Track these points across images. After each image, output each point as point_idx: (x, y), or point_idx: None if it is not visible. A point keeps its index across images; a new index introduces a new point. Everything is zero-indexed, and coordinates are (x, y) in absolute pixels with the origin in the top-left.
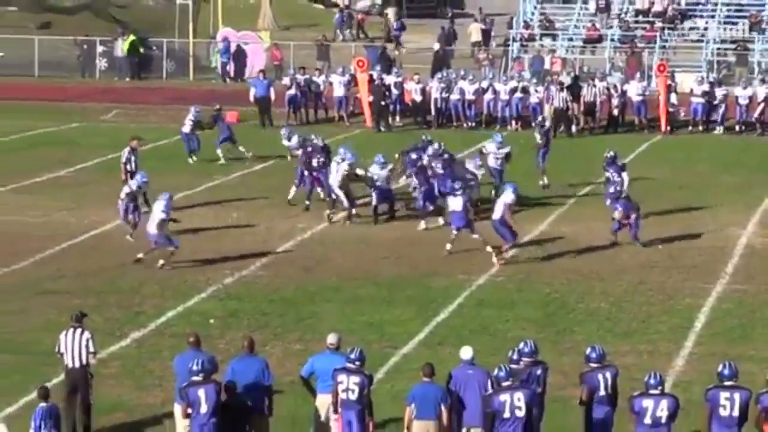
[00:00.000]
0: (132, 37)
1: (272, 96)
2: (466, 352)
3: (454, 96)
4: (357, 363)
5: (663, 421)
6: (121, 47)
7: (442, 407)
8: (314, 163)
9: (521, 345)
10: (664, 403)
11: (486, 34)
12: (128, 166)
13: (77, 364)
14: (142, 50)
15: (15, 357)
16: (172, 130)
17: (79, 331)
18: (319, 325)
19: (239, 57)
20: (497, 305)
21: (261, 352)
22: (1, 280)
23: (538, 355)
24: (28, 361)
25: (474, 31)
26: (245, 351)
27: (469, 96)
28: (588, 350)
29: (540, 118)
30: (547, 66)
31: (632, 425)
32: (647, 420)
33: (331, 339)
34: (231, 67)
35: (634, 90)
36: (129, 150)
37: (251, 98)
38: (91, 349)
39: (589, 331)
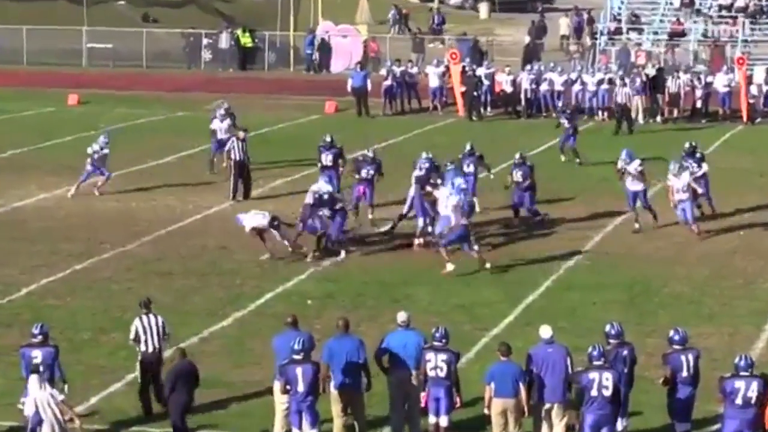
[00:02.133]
0: (247, 31)
1: (369, 86)
2: (545, 331)
3: (544, 87)
4: (443, 341)
5: (753, 402)
6: (234, 40)
7: (520, 385)
8: (363, 173)
9: (608, 327)
10: (754, 385)
11: (578, 27)
12: (232, 155)
13: (153, 349)
14: (251, 44)
15: (122, 335)
16: (273, 118)
17: (152, 316)
18: (411, 306)
19: (326, 49)
20: (584, 288)
21: (356, 332)
22: (108, 262)
23: (624, 337)
24: None
25: (563, 24)
26: (341, 331)
27: (558, 87)
28: (671, 333)
29: (560, 104)
30: (632, 59)
31: (723, 406)
32: (738, 401)
33: (401, 317)
34: (316, 58)
35: (720, 82)
36: (234, 139)
37: (349, 89)
38: (167, 332)
39: (672, 314)
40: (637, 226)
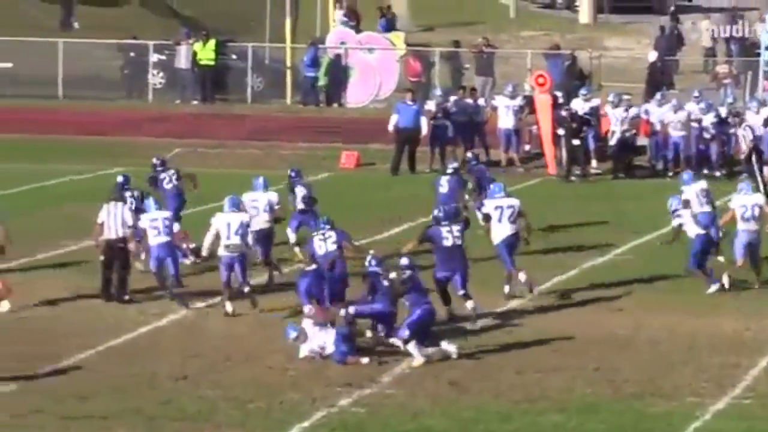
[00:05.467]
0: (212, 41)
1: (424, 128)
2: None
3: (676, 127)
4: None
5: None
6: (188, 56)
7: None
8: None
9: None
10: None
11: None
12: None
13: None
14: (213, 62)
15: None
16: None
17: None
18: None
19: (338, 69)
20: None
21: None
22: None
23: None
24: None
25: (706, 32)
26: None
27: (709, 129)
28: None
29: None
30: None
31: None
32: None
33: None
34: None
35: None
36: None
37: (391, 128)
38: None
39: None
40: None
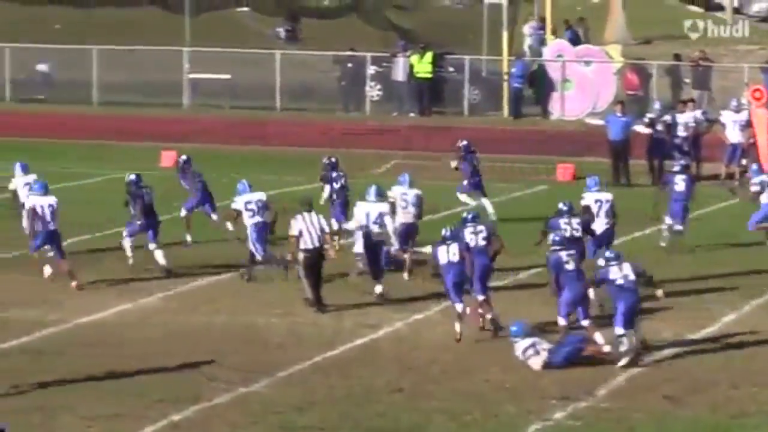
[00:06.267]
0: (429, 53)
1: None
2: None
3: None
4: None
5: None
6: (405, 68)
7: None
8: None
9: None
10: None
11: None
12: None
13: None
14: (430, 74)
15: None
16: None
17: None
18: None
19: (544, 80)
20: None
21: None
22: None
23: None
24: None
25: None
26: None
27: None
28: None
29: None
30: None
31: None
32: None
33: None
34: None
35: None
36: None
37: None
38: None
39: None
40: None
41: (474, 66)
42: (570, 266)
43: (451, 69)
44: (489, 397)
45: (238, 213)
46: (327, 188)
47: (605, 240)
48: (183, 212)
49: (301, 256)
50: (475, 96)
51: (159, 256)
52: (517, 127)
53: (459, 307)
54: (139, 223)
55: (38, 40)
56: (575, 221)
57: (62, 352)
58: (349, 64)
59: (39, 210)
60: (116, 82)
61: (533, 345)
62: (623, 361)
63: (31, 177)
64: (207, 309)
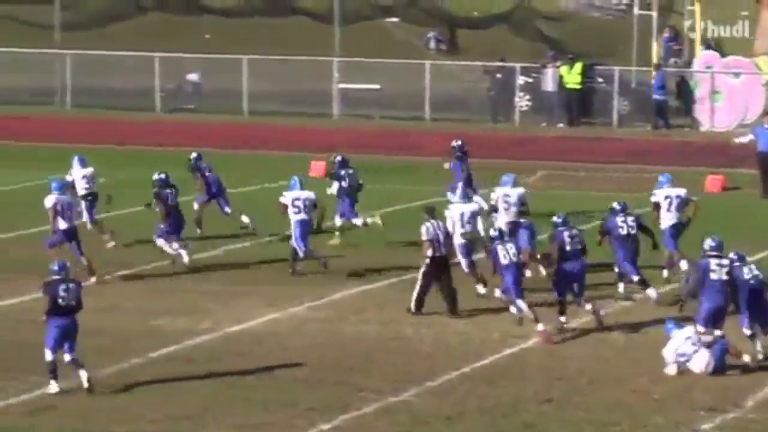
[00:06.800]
0: (579, 64)
1: None
2: None
3: None
4: None
5: None
6: (555, 78)
7: None
8: None
9: None
10: None
11: None
12: None
13: None
14: (579, 85)
15: None
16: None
17: None
18: None
19: (688, 90)
20: None
21: None
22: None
23: None
24: None
25: None
26: None
27: None
28: None
29: None
30: None
31: None
32: None
33: None
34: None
35: None
36: None
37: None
38: None
39: None
40: None
41: (623, 77)
42: (715, 276)
43: (600, 80)
44: (637, 408)
45: (285, 207)
46: (335, 184)
47: (676, 233)
48: (195, 206)
49: (427, 261)
50: (625, 107)
51: (183, 255)
52: (665, 138)
53: (523, 305)
54: (162, 226)
55: (188, 50)
56: (630, 219)
57: (212, 360)
58: (499, 75)
59: (59, 208)
60: (265, 92)
61: (690, 339)
62: (759, 357)
63: (89, 170)
64: (356, 319)
